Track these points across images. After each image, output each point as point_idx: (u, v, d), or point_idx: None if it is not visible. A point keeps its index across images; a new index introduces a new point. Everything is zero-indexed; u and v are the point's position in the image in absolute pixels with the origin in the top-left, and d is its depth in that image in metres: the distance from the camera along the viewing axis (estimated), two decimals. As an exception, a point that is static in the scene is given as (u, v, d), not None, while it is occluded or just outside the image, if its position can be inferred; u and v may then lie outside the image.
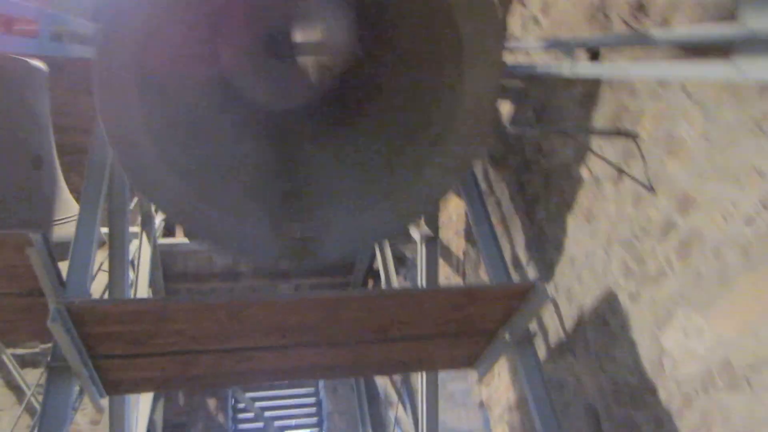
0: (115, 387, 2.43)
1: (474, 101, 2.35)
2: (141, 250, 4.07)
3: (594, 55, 2.29)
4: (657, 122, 2.42)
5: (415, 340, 2.71)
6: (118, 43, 1.93)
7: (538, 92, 3.15)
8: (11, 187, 3.40)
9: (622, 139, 2.61)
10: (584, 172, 2.84)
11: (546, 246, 3.19)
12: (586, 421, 2.88)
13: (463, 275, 4.24)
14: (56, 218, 3.61)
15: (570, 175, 2.94)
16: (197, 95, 2.64)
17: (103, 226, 2.78)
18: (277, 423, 6.50)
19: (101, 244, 2.85)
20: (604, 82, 2.66)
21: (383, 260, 5.04)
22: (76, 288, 2.20)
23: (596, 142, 2.77)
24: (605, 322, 2.75)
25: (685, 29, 2.13)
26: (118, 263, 2.89)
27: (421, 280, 3.56)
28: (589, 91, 2.75)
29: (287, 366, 2.71)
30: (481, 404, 4.05)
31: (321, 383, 6.89)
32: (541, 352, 3.20)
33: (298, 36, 2.86)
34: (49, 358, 2.10)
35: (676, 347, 2.34)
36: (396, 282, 4.79)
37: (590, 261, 2.84)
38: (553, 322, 3.16)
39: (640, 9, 2.43)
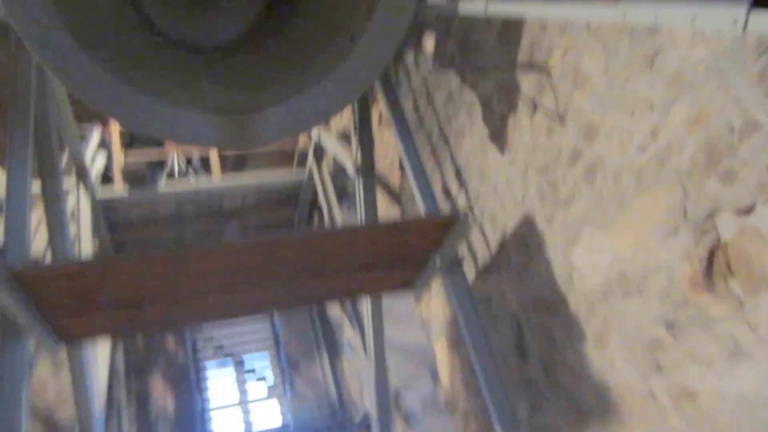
0: (69, 337, 2.53)
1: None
2: (80, 204, 4.04)
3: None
4: (565, 57, 2.58)
5: (352, 272, 2.92)
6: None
7: (459, 29, 3.24)
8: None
9: (536, 73, 2.77)
10: (503, 105, 3.00)
11: (472, 176, 3.39)
12: (510, 329, 3.22)
13: (401, 205, 4.44)
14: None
15: (491, 108, 3.10)
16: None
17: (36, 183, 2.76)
18: (236, 355, 6.77)
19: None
20: (518, 20, 2.77)
21: (326, 195, 5.19)
22: (16, 251, 2.21)
23: (513, 77, 2.91)
24: (525, 243, 3.02)
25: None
26: (56, 220, 2.88)
27: (360, 214, 3.73)
28: (506, 27, 2.86)
29: (234, 305, 2.88)
30: (423, 322, 4.39)
31: (275, 313, 7.15)
32: (471, 272, 3.48)
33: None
34: (-1, 319, 2.16)
35: (583, 263, 2.63)
36: (339, 214, 4.97)
37: (511, 189, 3.07)
38: (480, 245, 3.43)
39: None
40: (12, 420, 1.99)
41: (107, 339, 4.59)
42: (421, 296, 3.89)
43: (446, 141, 3.64)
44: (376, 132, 4.26)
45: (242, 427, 6.47)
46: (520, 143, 2.94)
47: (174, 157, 6.34)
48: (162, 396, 6.50)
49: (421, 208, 3.30)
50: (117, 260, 2.21)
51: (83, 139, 4.54)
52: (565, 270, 2.75)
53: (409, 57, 4.13)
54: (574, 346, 2.73)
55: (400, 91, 4.20)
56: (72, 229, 3.69)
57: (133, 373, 6.44)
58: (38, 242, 3.41)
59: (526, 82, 2.83)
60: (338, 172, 5.11)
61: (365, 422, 5.32)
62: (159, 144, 6.25)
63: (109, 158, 5.48)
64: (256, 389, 6.71)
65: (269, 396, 6.70)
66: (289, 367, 6.84)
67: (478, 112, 3.24)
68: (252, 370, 6.74)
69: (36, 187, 2.77)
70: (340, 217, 4.98)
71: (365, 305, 3.87)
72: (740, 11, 1.13)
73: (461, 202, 3.55)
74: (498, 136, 3.09)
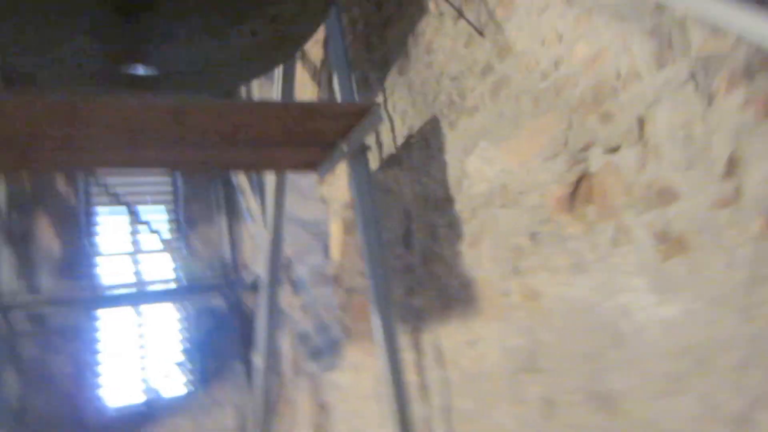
0: None
1: None
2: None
3: None
4: (497, -30, 2.62)
5: (261, 146, 2.98)
6: None
7: None
8: None
9: (468, -21, 2.79)
10: (431, 5, 3.02)
11: (391, 69, 3.46)
12: (400, 220, 3.50)
13: (319, 84, 4.43)
14: None
15: (420, 6, 3.11)
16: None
17: None
18: (131, 205, 6.66)
19: None
20: None
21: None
22: None
23: (446, -23, 2.91)
24: (427, 144, 3.21)
25: None
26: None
27: (277, 90, 3.71)
28: None
29: (135, 159, 2.87)
30: (323, 199, 4.59)
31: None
32: (375, 162, 3.66)
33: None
34: None
35: (473, 170, 2.88)
36: (257, 89, 4.87)
37: (424, 89, 3.19)
38: (388, 138, 3.58)
39: None
40: None
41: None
42: (324, 177, 4.04)
43: (372, 30, 3.62)
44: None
45: (132, 277, 6.57)
46: (440, 47, 3.01)
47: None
48: (47, 237, 6.34)
49: (337, 92, 3.36)
50: (11, 100, 2.11)
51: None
52: (457, 174, 2.99)
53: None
54: (452, 243, 3.05)
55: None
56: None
57: (17, 211, 6.18)
58: None
59: (457, -13, 2.85)
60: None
61: (255, 285, 5.61)
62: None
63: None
64: (150, 241, 6.73)
65: (163, 250, 6.77)
66: (186, 225, 6.89)
67: (406, 6, 3.23)
68: (146, 222, 6.70)
69: None
70: (258, 92, 4.89)
71: (269, 177, 3.97)
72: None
73: (376, 93, 3.63)
74: (421, 35, 3.14)
